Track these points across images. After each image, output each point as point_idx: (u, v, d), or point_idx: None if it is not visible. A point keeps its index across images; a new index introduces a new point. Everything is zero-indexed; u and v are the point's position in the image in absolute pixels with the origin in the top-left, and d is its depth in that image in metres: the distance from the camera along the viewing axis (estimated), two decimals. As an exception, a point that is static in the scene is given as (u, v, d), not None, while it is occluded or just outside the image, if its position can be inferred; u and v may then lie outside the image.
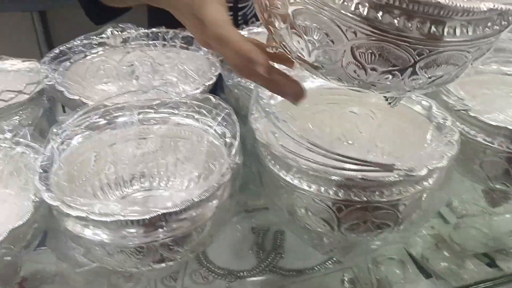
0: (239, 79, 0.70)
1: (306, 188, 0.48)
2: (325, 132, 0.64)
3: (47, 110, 0.67)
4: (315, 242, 0.56)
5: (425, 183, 0.49)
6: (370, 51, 0.33)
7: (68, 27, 1.85)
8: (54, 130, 0.52)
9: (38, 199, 0.44)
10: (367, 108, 0.67)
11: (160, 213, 0.43)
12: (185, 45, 0.77)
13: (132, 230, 0.43)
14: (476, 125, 0.59)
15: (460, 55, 0.35)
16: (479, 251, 0.76)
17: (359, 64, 0.35)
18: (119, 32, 0.76)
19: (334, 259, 0.74)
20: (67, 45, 0.72)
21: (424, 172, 0.46)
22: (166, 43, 0.78)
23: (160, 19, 0.70)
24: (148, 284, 0.67)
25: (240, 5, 0.97)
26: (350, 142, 0.67)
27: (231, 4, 0.96)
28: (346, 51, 0.34)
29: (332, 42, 0.34)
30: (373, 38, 0.33)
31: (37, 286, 0.61)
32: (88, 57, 0.74)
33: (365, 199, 0.47)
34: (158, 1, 0.49)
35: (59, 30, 1.74)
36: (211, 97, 0.57)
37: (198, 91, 0.64)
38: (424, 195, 0.50)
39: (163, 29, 0.78)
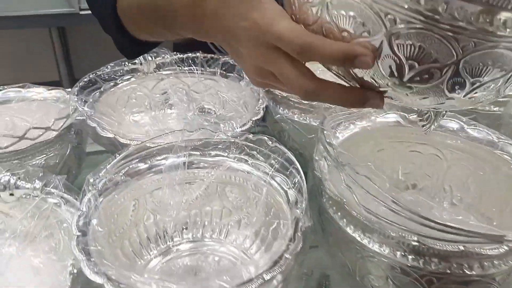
0: (287, 111, 0.63)
1: (389, 255, 0.41)
2: (386, 174, 0.57)
3: (75, 146, 0.60)
4: None
5: None
6: (410, 42, 0.30)
7: (87, 44, 1.82)
8: (91, 180, 0.45)
9: (76, 270, 0.37)
10: (433, 147, 0.59)
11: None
12: (224, 72, 0.70)
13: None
14: None
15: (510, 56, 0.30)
16: None
17: (396, 58, 0.31)
18: (153, 58, 0.69)
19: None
20: (97, 72, 0.65)
21: None
22: (203, 69, 0.72)
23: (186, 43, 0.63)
24: None
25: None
26: (414, 184, 0.59)
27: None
28: (384, 43, 0.31)
29: (369, 32, 0.31)
30: (414, 26, 0.29)
31: None
32: (119, 85, 0.68)
33: (461, 272, 0.39)
34: (209, 35, 0.43)
35: (78, 46, 1.69)
36: (266, 138, 0.50)
37: (245, 127, 0.58)
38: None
39: (200, 54, 0.71)
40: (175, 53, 0.71)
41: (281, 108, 0.63)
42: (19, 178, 0.45)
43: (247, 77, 0.67)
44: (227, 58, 0.70)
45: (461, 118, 0.57)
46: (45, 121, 0.57)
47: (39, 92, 0.66)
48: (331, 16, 0.33)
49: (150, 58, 0.69)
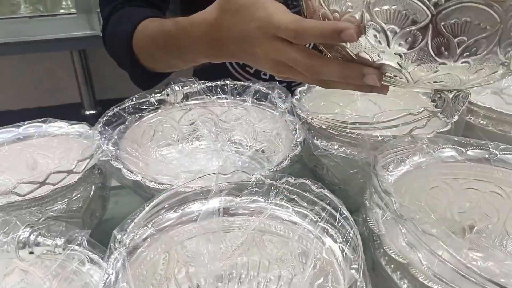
0: (325, 142, 0.58)
1: None
2: (439, 213, 0.51)
3: (99, 187, 0.56)
4: None
5: None
6: (456, 19, 0.34)
7: (107, 65, 1.80)
8: (118, 236, 0.40)
9: None
10: (493, 184, 0.53)
11: None
12: (256, 101, 0.66)
13: None
14: None
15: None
16: None
17: (445, 40, 0.35)
18: (180, 88, 0.65)
19: None
20: (121, 105, 0.61)
21: None
22: (233, 97, 0.67)
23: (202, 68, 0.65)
24: None
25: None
26: (472, 225, 0.53)
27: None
28: (430, 28, 0.34)
29: (413, 22, 0.35)
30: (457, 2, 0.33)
31: None
32: (144, 118, 0.63)
33: None
34: (225, 49, 0.48)
35: (99, 68, 1.67)
36: (309, 183, 0.45)
37: (284, 164, 0.52)
38: None
39: (229, 82, 0.67)
40: (203, 81, 0.66)
41: (319, 139, 0.58)
42: (39, 234, 0.41)
43: (281, 107, 0.62)
44: (259, 86, 0.65)
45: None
46: (67, 160, 0.53)
47: (60, 127, 0.62)
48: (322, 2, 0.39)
49: (177, 88, 0.64)
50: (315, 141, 0.58)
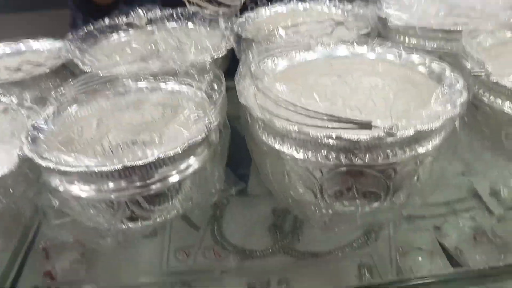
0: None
1: (285, 151, 0.46)
2: (335, 104, 0.60)
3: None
4: (307, 213, 0.52)
5: (420, 148, 0.44)
6: None
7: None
8: (53, 94, 0.54)
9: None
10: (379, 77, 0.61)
11: (129, 166, 0.42)
12: (205, 23, 0.78)
13: (102, 183, 0.43)
14: (501, 92, 0.52)
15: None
16: (525, 245, 0.68)
17: None
18: (145, 13, 0.78)
19: (354, 244, 0.70)
20: (93, 26, 0.75)
21: (409, 132, 0.41)
22: (190, 22, 0.79)
23: None
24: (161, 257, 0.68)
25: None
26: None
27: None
28: None
29: None
30: None
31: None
32: (114, 38, 0.77)
33: (344, 162, 0.43)
34: None
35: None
36: (207, 63, 0.57)
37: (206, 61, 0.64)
38: (420, 163, 0.45)
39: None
40: (165, 8, 0.79)
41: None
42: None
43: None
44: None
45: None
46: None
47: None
48: None
49: (142, 13, 0.78)
50: (239, 46, 0.69)
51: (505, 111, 0.51)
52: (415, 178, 0.45)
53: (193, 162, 0.47)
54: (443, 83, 0.50)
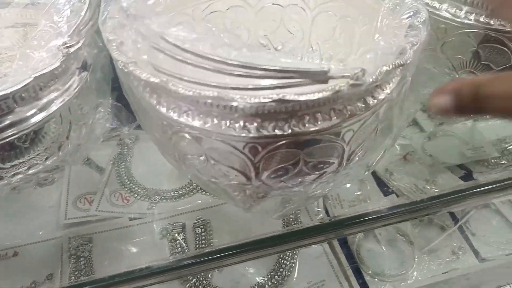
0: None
1: (197, 125, 0.30)
2: (240, 37, 0.48)
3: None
4: (234, 196, 0.40)
5: (382, 94, 0.32)
6: None
7: None
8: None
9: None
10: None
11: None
12: None
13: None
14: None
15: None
16: (454, 162, 0.64)
17: None
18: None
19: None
20: None
21: (376, 76, 0.29)
22: None
23: None
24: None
25: None
26: (277, 48, 0.52)
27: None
28: None
29: None
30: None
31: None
32: None
33: (289, 131, 0.29)
34: None
35: None
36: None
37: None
38: (383, 111, 0.34)
39: None
40: None
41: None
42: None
43: None
44: None
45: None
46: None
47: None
48: None
49: None
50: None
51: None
52: (374, 132, 0.35)
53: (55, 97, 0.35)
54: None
